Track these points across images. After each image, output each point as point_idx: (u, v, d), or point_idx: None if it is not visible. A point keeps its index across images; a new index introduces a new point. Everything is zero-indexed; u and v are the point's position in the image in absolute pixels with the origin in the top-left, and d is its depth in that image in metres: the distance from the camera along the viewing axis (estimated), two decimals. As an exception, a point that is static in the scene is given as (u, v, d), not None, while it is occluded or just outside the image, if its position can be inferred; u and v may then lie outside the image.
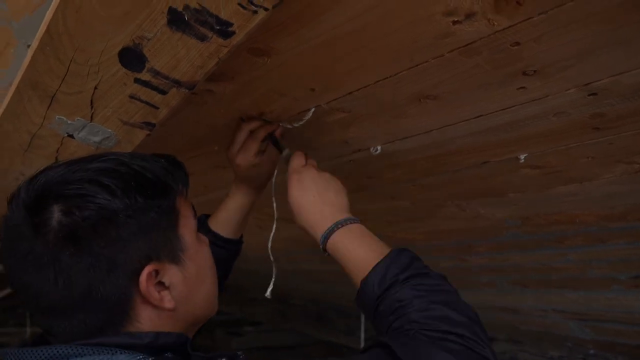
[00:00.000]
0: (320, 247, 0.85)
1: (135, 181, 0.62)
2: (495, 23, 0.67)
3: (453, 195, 1.36)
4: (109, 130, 0.82)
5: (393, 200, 1.45)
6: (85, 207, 0.58)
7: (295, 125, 1.01)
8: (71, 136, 0.83)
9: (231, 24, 0.63)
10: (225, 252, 1.05)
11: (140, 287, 0.60)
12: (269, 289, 1.04)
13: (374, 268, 0.77)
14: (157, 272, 0.62)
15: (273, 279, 1.04)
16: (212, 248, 1.00)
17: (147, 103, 0.76)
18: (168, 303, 0.63)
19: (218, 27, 0.63)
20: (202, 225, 1.05)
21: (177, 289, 0.64)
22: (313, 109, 0.96)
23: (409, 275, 0.75)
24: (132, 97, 0.75)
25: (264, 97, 0.93)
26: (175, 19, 0.62)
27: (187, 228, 0.67)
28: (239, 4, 0.60)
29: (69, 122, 0.79)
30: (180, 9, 0.60)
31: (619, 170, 1.06)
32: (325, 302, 3.30)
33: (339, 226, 0.84)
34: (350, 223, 0.84)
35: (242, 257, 1.16)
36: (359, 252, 0.80)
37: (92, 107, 0.77)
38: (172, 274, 0.64)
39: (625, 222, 1.31)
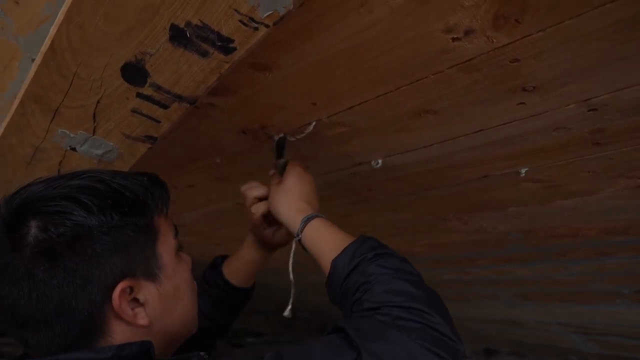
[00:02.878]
0: (299, 228, 0.88)
1: (113, 199, 0.63)
2: (495, 40, 0.68)
3: (455, 209, 1.36)
4: (111, 143, 0.83)
5: (395, 213, 1.45)
6: (61, 224, 0.59)
7: (297, 137, 1.01)
8: (74, 149, 0.83)
9: (232, 40, 0.64)
10: (235, 299, 1.04)
11: (113, 303, 0.61)
12: (288, 309, 1.02)
13: (345, 249, 0.80)
14: (131, 288, 0.63)
15: (291, 300, 1.01)
16: (223, 295, 1.01)
17: (149, 117, 0.77)
18: (142, 320, 0.63)
19: (219, 44, 0.64)
20: (216, 269, 1.03)
21: (152, 306, 0.64)
22: (314, 123, 0.97)
23: (375, 254, 0.78)
24: (134, 111, 0.75)
25: (266, 110, 0.94)
26: (177, 35, 0.63)
27: (166, 246, 0.68)
28: (240, 21, 0.61)
29: (72, 135, 0.80)
30: (182, 25, 0.61)
31: (620, 185, 1.06)
32: (328, 314, 3.28)
33: (319, 216, 0.89)
34: (326, 219, 0.90)
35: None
36: (332, 236, 0.85)
37: (94, 121, 0.77)
38: (147, 291, 0.64)
39: (627, 236, 1.31)
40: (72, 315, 0.59)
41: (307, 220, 0.87)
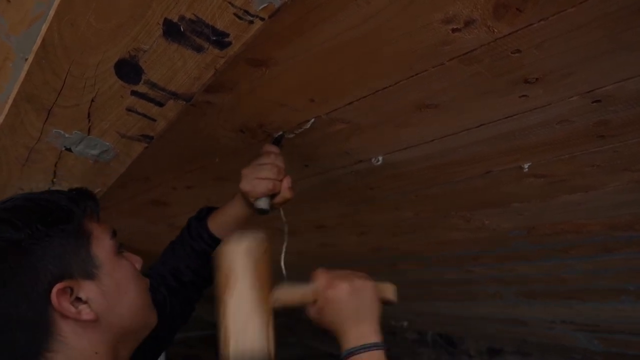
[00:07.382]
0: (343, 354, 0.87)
1: (37, 212, 0.70)
2: (496, 30, 0.67)
3: (457, 206, 1.34)
4: (107, 143, 0.82)
5: (396, 211, 1.43)
6: None
7: (295, 132, 1.00)
8: (69, 150, 0.82)
9: (227, 35, 0.62)
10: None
11: (53, 304, 0.67)
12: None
13: None
14: (72, 289, 0.69)
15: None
16: (206, 248, 1.03)
17: (144, 115, 0.76)
18: (86, 315, 0.69)
19: (214, 38, 0.63)
20: (201, 222, 1.04)
21: (96, 302, 0.71)
22: (313, 120, 0.95)
23: None
24: (129, 109, 0.74)
25: (263, 108, 0.92)
26: (171, 30, 0.61)
27: (101, 247, 0.74)
28: (235, 14, 0.60)
29: (67, 135, 0.79)
30: (175, 20, 0.60)
31: (625, 179, 1.04)
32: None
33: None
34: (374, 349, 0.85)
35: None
36: None
37: (89, 120, 0.76)
38: (88, 289, 0.70)
39: (632, 231, 1.29)
40: (19, 323, 0.66)
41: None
